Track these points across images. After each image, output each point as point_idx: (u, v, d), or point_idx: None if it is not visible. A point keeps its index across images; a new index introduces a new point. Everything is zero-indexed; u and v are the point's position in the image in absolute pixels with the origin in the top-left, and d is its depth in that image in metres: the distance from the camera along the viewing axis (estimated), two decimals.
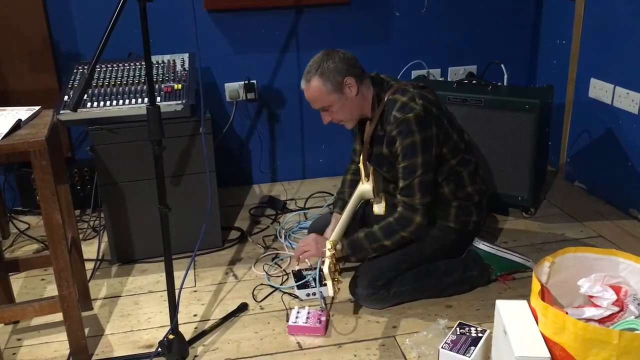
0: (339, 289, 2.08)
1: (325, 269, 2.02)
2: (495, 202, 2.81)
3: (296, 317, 2.09)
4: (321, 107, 2.13)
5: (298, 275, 2.31)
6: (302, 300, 2.23)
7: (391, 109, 2.07)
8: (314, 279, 2.24)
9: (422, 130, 2.03)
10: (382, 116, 2.12)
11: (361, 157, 2.26)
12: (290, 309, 2.18)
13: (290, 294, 2.28)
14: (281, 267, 2.47)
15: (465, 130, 2.27)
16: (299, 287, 2.25)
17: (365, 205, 2.40)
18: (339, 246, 2.11)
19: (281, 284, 2.34)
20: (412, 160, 2.04)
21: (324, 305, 2.17)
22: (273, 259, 2.54)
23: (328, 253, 2.03)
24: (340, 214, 2.29)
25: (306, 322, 2.07)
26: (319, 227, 2.44)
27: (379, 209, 2.24)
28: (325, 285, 2.20)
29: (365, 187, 2.24)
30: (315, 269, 2.29)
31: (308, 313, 2.11)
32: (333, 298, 2.22)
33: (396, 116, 2.04)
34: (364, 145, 2.22)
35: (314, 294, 2.22)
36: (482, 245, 2.29)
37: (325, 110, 2.14)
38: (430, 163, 2.07)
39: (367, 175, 2.23)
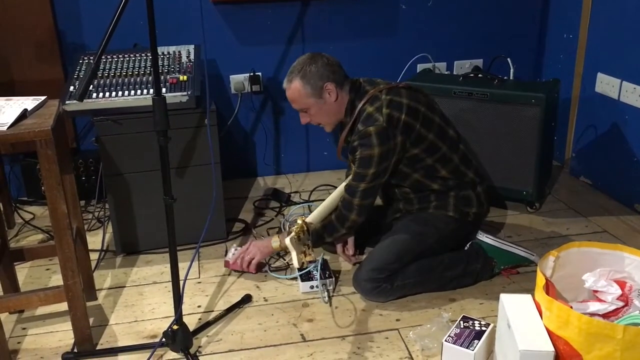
0: (306, 261, 2.19)
1: (288, 240, 2.11)
2: (499, 197, 2.81)
3: (232, 254, 2.37)
4: (300, 108, 2.22)
5: (301, 268, 2.30)
6: (302, 292, 2.24)
7: (359, 119, 2.15)
8: (318, 272, 2.24)
9: (382, 144, 2.08)
10: (354, 124, 2.18)
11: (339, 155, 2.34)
12: (228, 249, 2.46)
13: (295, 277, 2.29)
14: (285, 260, 2.47)
15: (451, 127, 2.28)
16: (302, 280, 2.25)
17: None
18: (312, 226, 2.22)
19: (288, 274, 2.35)
20: (364, 170, 2.12)
21: (327, 299, 2.17)
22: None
23: (295, 227, 2.13)
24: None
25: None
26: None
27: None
28: (330, 277, 2.21)
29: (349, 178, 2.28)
30: (318, 261, 2.29)
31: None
32: (334, 289, 2.23)
33: (359, 128, 2.12)
34: (337, 148, 2.32)
35: (317, 286, 2.22)
36: (485, 239, 2.29)
37: (303, 111, 2.22)
38: (381, 173, 2.14)
39: (350, 168, 2.28)
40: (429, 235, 2.22)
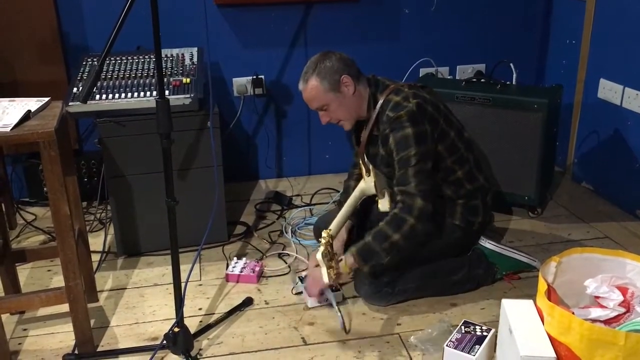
0: (335, 275, 2.02)
1: (319, 255, 1.99)
2: (501, 202, 2.80)
3: (233, 267, 2.37)
4: (319, 107, 2.16)
5: (331, 287, 2.21)
6: (309, 308, 2.18)
7: (386, 109, 2.10)
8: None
9: (414, 125, 2.04)
10: (377, 117, 2.14)
11: (361, 155, 2.26)
12: (230, 259, 2.45)
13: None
14: (286, 263, 2.47)
15: (465, 129, 2.27)
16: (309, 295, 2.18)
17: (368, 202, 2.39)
18: (350, 260, 2.04)
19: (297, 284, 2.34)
20: (405, 152, 2.04)
21: (338, 312, 2.10)
22: (280, 254, 2.55)
23: (323, 241, 2.01)
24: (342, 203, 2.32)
25: (241, 272, 2.34)
26: (325, 224, 2.44)
27: (383, 205, 2.23)
28: (337, 291, 2.19)
29: (366, 183, 2.24)
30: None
31: (244, 263, 2.39)
32: (344, 300, 2.22)
33: (389, 115, 2.07)
34: (360, 145, 2.24)
35: (326, 300, 2.19)
36: (487, 244, 2.29)
37: (323, 109, 2.17)
38: (424, 153, 2.05)
39: (367, 172, 2.23)
40: (433, 242, 2.21)
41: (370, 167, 2.22)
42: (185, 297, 2.11)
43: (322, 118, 2.20)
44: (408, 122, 2.03)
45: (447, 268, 2.22)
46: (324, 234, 2.03)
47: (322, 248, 2.00)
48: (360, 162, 2.25)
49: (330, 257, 2.01)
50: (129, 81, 2.45)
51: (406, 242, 2.01)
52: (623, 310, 1.78)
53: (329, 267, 2.00)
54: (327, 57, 2.13)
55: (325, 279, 2.01)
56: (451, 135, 2.16)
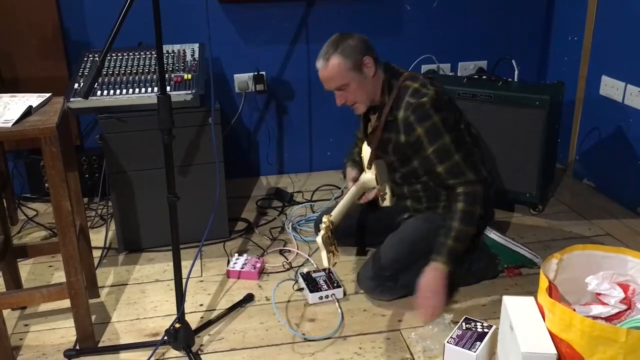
0: (335, 262, 2.06)
1: (319, 239, 1.99)
2: (503, 199, 2.80)
3: (234, 263, 2.37)
4: (338, 86, 2.08)
5: (307, 278, 2.26)
6: (310, 304, 2.18)
7: (403, 95, 2.07)
8: (325, 282, 2.23)
9: (439, 111, 2.03)
10: (394, 102, 2.10)
11: (363, 146, 2.24)
12: (230, 257, 2.45)
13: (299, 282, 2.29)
14: (287, 259, 2.47)
15: (471, 124, 2.26)
16: (310, 291, 2.19)
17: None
18: (444, 267, 2.03)
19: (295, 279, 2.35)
20: (440, 142, 2.04)
21: (340, 309, 2.14)
22: (281, 251, 2.55)
23: (323, 225, 2.02)
24: (354, 167, 2.33)
25: (242, 268, 2.34)
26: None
27: (385, 200, 2.24)
28: (338, 287, 2.20)
29: (367, 175, 2.22)
30: (324, 270, 2.29)
31: (245, 260, 2.39)
32: (345, 296, 2.22)
33: (409, 101, 2.04)
34: (375, 130, 2.17)
35: (327, 296, 2.19)
36: (492, 235, 2.29)
37: (341, 89, 2.09)
38: (458, 141, 2.06)
39: (369, 164, 2.21)
40: (436, 236, 2.20)
41: (373, 159, 2.20)
42: (186, 293, 2.12)
43: (339, 99, 2.12)
44: (432, 109, 2.02)
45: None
46: (324, 218, 2.05)
47: (322, 232, 2.01)
48: (363, 154, 2.22)
49: (330, 242, 2.03)
50: (131, 77, 2.45)
51: (477, 229, 2.12)
52: (624, 307, 1.77)
53: (328, 252, 2.02)
54: (350, 37, 2.07)
55: (325, 263, 2.02)
56: (461, 127, 2.15)
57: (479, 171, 2.21)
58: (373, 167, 2.20)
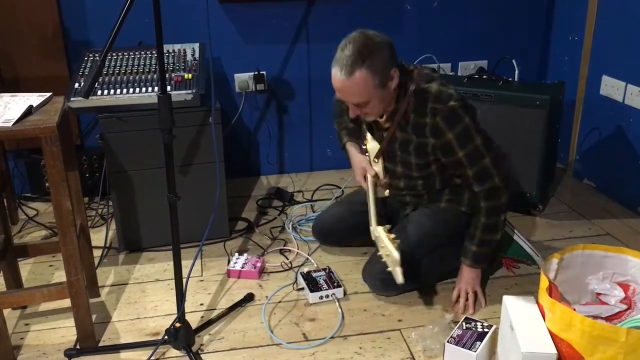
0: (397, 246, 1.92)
1: (397, 255, 1.87)
2: None
3: (234, 263, 2.37)
4: (357, 103, 1.92)
5: (308, 278, 2.25)
6: (311, 304, 2.18)
7: (425, 100, 1.96)
8: (325, 281, 2.23)
9: (468, 113, 1.96)
10: (413, 107, 1.99)
11: (367, 138, 2.20)
12: (231, 257, 2.44)
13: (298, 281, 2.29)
14: (288, 259, 2.47)
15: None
16: (311, 291, 2.19)
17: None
18: (469, 266, 2.12)
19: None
20: (471, 145, 1.97)
21: (340, 308, 2.13)
22: (281, 250, 2.55)
23: (385, 236, 1.95)
24: (354, 141, 2.27)
25: (243, 267, 2.34)
26: (327, 222, 2.45)
27: (386, 190, 2.24)
28: (339, 287, 2.20)
29: (375, 168, 2.20)
30: (324, 270, 2.29)
31: (246, 259, 2.39)
32: (345, 295, 2.22)
33: (436, 107, 1.94)
34: (388, 132, 2.07)
35: (327, 296, 2.19)
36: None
37: (359, 105, 1.93)
38: (487, 141, 1.99)
39: (377, 158, 2.17)
40: (441, 230, 2.19)
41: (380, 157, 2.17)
42: (187, 292, 2.11)
43: (353, 112, 1.97)
44: (462, 111, 1.94)
45: (454, 256, 2.20)
46: (380, 233, 1.99)
47: (392, 245, 1.92)
48: (368, 145, 2.17)
49: (393, 240, 1.96)
50: (131, 77, 2.45)
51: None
52: (624, 307, 1.78)
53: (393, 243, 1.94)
54: (378, 46, 1.84)
55: (400, 279, 1.89)
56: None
57: (503, 169, 2.08)
58: (380, 160, 2.18)
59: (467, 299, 2.12)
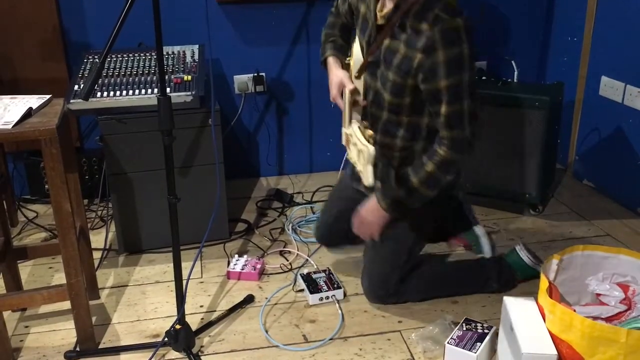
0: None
1: (372, 148, 1.73)
2: (503, 199, 2.80)
3: (234, 264, 2.37)
4: None
5: (308, 279, 2.25)
6: (311, 305, 2.18)
7: (433, 4, 1.72)
8: (325, 283, 2.23)
9: (470, 43, 1.70)
10: (415, 4, 1.74)
11: (354, 47, 1.98)
12: (230, 259, 2.44)
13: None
14: (288, 260, 2.47)
15: None
16: (311, 292, 2.19)
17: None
18: (382, 208, 1.89)
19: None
20: (457, 77, 1.69)
21: (340, 310, 2.14)
22: (281, 252, 2.55)
23: (360, 133, 1.79)
24: (338, 56, 2.05)
25: (242, 269, 2.34)
26: (327, 223, 2.44)
27: (367, 179, 1.84)
28: (339, 288, 2.20)
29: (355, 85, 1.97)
30: (324, 271, 2.29)
31: (245, 261, 2.39)
32: (345, 297, 2.22)
33: (440, 16, 1.69)
34: (380, 35, 1.82)
35: (327, 297, 2.19)
36: (525, 258, 2.21)
37: None
38: (474, 81, 1.74)
39: (359, 74, 1.95)
40: (407, 228, 2.06)
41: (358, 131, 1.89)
42: (187, 294, 2.11)
43: None
44: (465, 36, 1.69)
45: (459, 279, 2.20)
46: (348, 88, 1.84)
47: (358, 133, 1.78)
48: (353, 55, 1.97)
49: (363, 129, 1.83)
50: (131, 78, 2.45)
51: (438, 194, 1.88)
52: (624, 307, 1.78)
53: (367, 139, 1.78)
54: None
55: (371, 180, 1.76)
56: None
57: (476, 126, 1.80)
58: (362, 78, 1.96)
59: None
